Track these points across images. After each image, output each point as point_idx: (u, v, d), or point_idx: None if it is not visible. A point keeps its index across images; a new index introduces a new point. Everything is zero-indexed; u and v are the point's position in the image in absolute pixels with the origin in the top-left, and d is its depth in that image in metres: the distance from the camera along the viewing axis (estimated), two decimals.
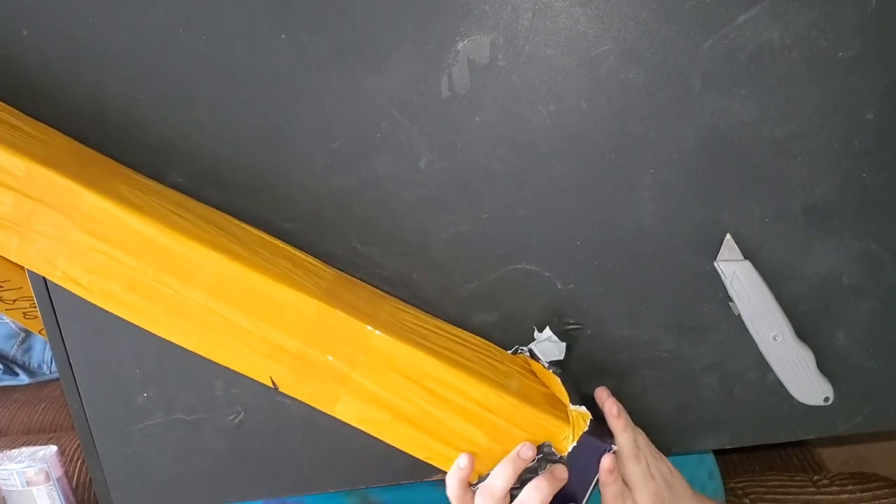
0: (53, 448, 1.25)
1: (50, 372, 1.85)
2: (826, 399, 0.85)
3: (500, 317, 0.86)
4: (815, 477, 1.11)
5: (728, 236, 0.81)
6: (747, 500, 1.09)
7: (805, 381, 0.84)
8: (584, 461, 0.77)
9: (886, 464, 1.50)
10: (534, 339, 0.85)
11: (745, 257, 0.81)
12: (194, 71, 0.78)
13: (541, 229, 0.82)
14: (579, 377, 0.87)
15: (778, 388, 0.86)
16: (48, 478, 1.23)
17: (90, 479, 1.38)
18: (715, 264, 0.81)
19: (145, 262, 0.71)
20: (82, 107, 0.79)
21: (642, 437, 0.81)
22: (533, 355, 0.85)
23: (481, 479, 0.78)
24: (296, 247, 0.82)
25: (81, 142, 0.79)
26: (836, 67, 0.77)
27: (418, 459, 0.78)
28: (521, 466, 0.76)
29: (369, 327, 0.74)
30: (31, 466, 1.22)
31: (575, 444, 0.77)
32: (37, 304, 0.85)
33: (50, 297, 0.84)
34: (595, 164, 0.80)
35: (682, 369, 0.87)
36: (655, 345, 0.86)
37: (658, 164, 0.80)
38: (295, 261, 0.79)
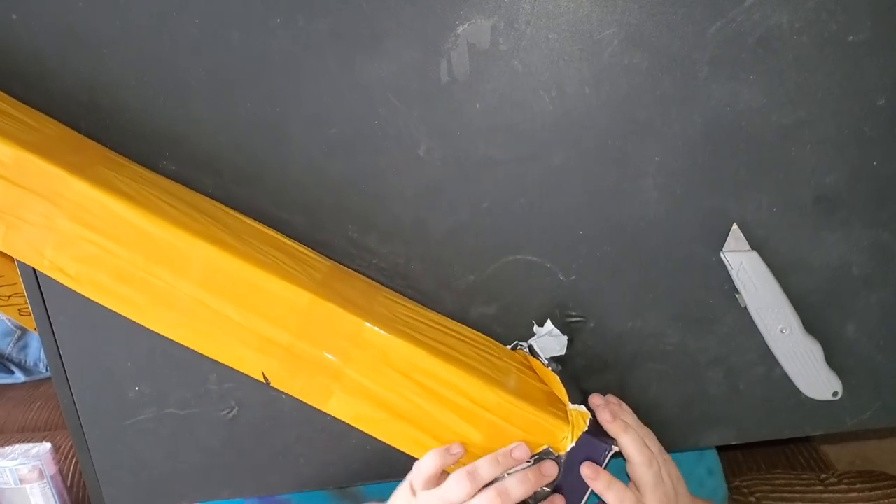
0: (47, 445, 1.23)
1: (46, 370, 1.83)
2: (835, 394, 0.83)
3: (500, 309, 0.84)
4: (823, 475, 1.09)
5: (735, 226, 0.79)
6: (753, 499, 1.07)
7: (813, 376, 0.82)
8: (584, 461, 0.76)
9: (893, 464, 1.49)
10: (534, 335, 0.84)
11: (753, 248, 0.79)
12: (188, 57, 0.76)
13: (542, 219, 0.80)
14: (581, 372, 0.85)
15: (785, 383, 0.84)
16: (42, 475, 1.21)
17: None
18: (721, 255, 0.79)
19: (135, 253, 0.69)
20: (74, 94, 0.77)
21: (651, 438, 0.79)
22: (532, 352, 0.83)
23: None
24: (291, 237, 0.81)
25: (73, 129, 0.77)
26: (846, 52, 0.75)
27: (414, 457, 0.76)
28: (511, 465, 0.74)
29: (364, 321, 0.72)
30: (25, 464, 1.20)
31: (574, 444, 0.75)
32: (27, 297, 0.83)
33: (40, 289, 0.82)
34: (598, 151, 0.78)
35: (686, 363, 0.85)
36: (660, 338, 0.84)
37: (663, 151, 0.78)
38: (289, 252, 0.77)
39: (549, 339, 0.83)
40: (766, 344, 0.82)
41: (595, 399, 0.80)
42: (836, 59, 0.75)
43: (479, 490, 0.72)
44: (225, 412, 0.86)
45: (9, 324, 1.80)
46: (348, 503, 0.96)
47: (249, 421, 0.86)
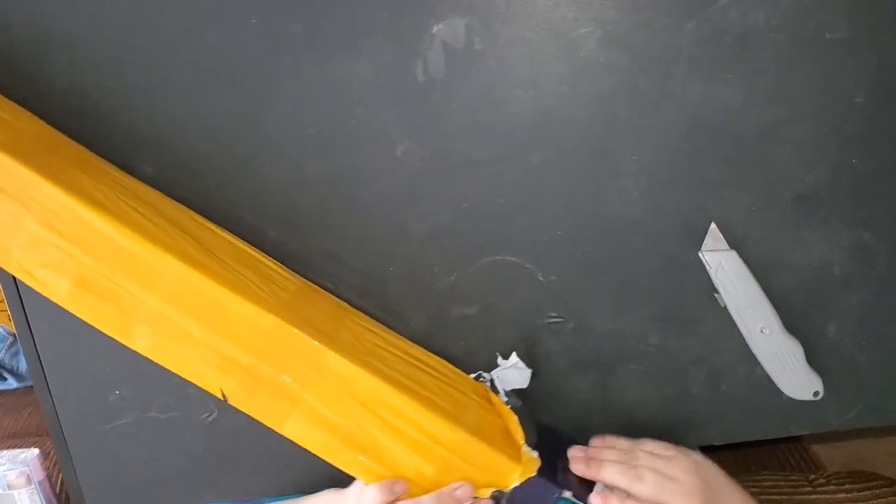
0: (35, 451, 1.23)
1: None
2: (816, 394, 0.82)
3: (480, 310, 0.83)
4: (812, 476, 1.08)
5: (713, 225, 0.79)
6: None
7: (794, 376, 0.82)
8: (530, 500, 0.76)
9: (888, 466, 1.48)
10: (498, 366, 0.84)
11: (732, 247, 0.79)
12: (164, 58, 0.76)
13: (521, 219, 0.80)
14: (562, 374, 0.85)
15: (766, 383, 0.83)
16: (29, 481, 1.21)
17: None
18: (700, 254, 0.79)
19: (101, 262, 0.68)
20: (50, 97, 0.77)
21: (638, 452, 0.78)
22: (493, 387, 0.83)
23: None
24: (265, 246, 0.80)
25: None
26: (825, 50, 0.75)
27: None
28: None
29: (326, 348, 0.71)
30: (12, 469, 1.20)
31: (519, 483, 0.75)
32: (6, 302, 0.83)
33: (19, 294, 0.82)
34: (577, 151, 0.78)
35: (668, 363, 0.84)
36: (640, 338, 0.83)
37: (641, 150, 0.77)
38: (258, 269, 0.77)
39: (514, 372, 0.83)
40: (746, 344, 0.81)
41: (573, 452, 0.79)
42: (814, 58, 0.75)
43: None
44: (205, 416, 0.86)
45: (1, 331, 1.80)
46: None
47: (230, 424, 0.86)
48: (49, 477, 1.24)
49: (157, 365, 0.81)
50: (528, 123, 0.77)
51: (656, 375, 0.85)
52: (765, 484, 1.09)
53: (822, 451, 1.31)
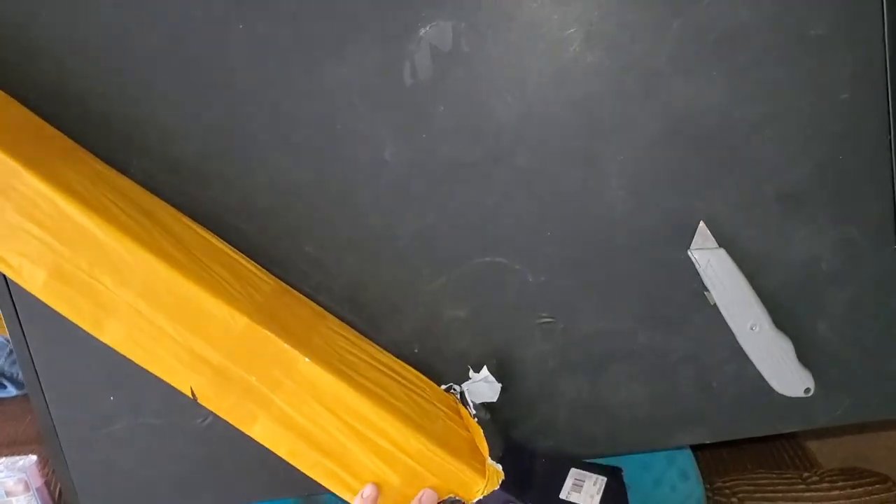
0: (33, 458, 1.24)
1: None
2: (807, 390, 0.82)
3: (471, 312, 0.83)
4: (805, 474, 1.09)
5: (701, 223, 0.79)
6: (735, 499, 1.06)
7: (785, 373, 0.82)
8: None
9: (885, 461, 1.48)
10: (468, 378, 0.84)
11: (720, 245, 0.79)
12: (152, 63, 0.77)
13: (509, 220, 0.80)
14: (552, 375, 0.85)
15: (757, 380, 0.83)
16: (27, 488, 1.21)
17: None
18: (688, 253, 0.79)
19: (78, 253, 0.68)
20: (40, 103, 0.77)
21: None
22: (463, 399, 0.83)
23: None
24: (248, 249, 0.81)
25: None
26: (808, 47, 0.75)
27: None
28: None
29: (297, 352, 0.71)
30: (10, 476, 1.21)
31: (483, 497, 0.76)
32: None
33: (12, 299, 0.83)
34: (564, 152, 0.78)
35: (657, 362, 0.84)
36: (630, 337, 0.84)
37: (627, 150, 0.78)
38: (236, 270, 0.77)
39: (484, 385, 0.83)
40: (736, 342, 0.81)
41: None
42: (798, 55, 0.75)
43: None
44: (200, 420, 0.86)
45: (1, 339, 1.79)
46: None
47: (224, 429, 0.85)
48: (47, 483, 1.24)
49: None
50: (515, 125, 0.77)
51: (646, 374, 0.85)
52: (760, 482, 1.09)
53: (818, 448, 1.31)
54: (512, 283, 0.82)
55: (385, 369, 0.80)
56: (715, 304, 0.80)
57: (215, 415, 0.83)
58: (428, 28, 0.75)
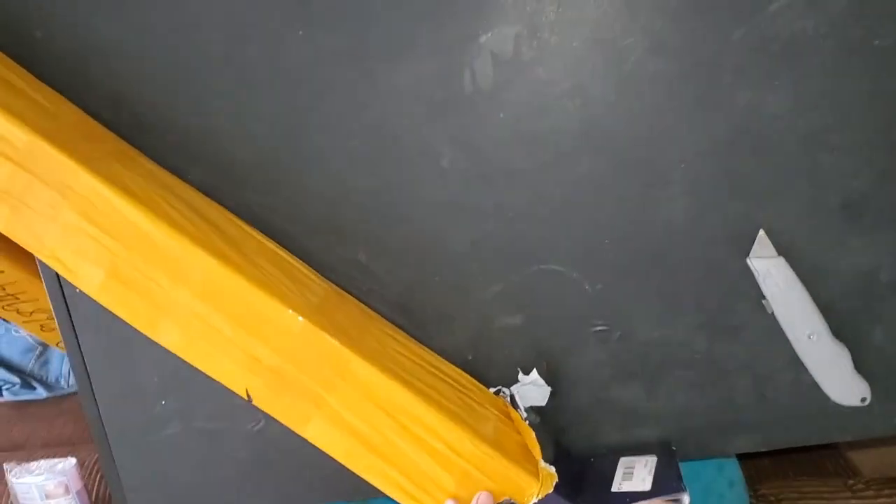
0: (72, 461, 1.24)
1: (68, 386, 1.84)
2: (863, 399, 0.82)
3: (526, 320, 0.83)
4: (850, 481, 1.08)
5: (761, 232, 0.79)
6: None
7: (841, 382, 0.82)
8: None
9: None
10: (518, 381, 0.84)
11: (779, 254, 0.79)
12: (210, 70, 0.77)
13: (567, 228, 0.80)
14: (606, 383, 0.85)
15: (813, 389, 0.83)
16: (67, 490, 1.22)
17: (109, 494, 1.37)
18: (748, 261, 0.79)
19: (135, 253, 0.68)
20: (97, 109, 0.77)
21: None
22: (513, 402, 0.83)
23: None
24: (302, 250, 0.81)
25: None
26: (873, 56, 0.74)
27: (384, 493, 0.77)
28: None
29: (352, 353, 0.71)
30: (51, 479, 1.21)
31: (538, 500, 0.75)
32: (53, 311, 0.84)
33: (66, 304, 0.83)
34: (623, 159, 0.78)
35: (713, 370, 0.84)
36: (686, 345, 0.83)
37: (688, 158, 0.77)
38: (289, 272, 0.77)
39: (533, 389, 0.83)
40: (793, 350, 0.81)
41: None
42: (862, 64, 0.75)
43: None
44: (252, 425, 0.86)
45: (30, 340, 1.80)
46: None
47: (276, 433, 0.86)
48: (85, 486, 1.25)
49: (202, 375, 0.82)
50: (575, 132, 0.77)
51: (702, 382, 0.85)
52: (804, 489, 1.09)
53: (859, 458, 1.31)
54: (568, 291, 0.82)
55: (436, 371, 0.80)
56: (772, 313, 0.80)
57: (267, 419, 0.84)
58: (489, 35, 0.75)
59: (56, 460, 1.24)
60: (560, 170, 0.78)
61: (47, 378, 1.83)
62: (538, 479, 0.75)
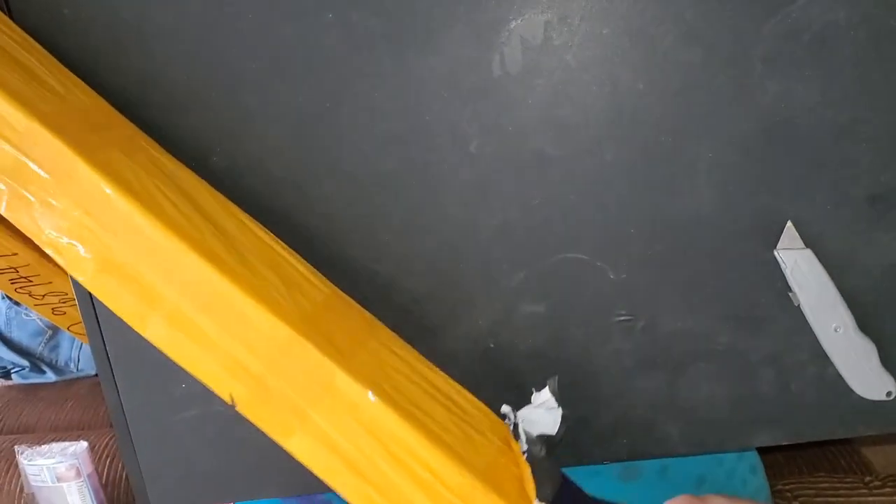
0: (84, 444, 1.24)
1: (77, 370, 1.84)
2: (889, 394, 0.82)
3: (549, 308, 0.83)
4: (867, 478, 1.08)
5: (789, 224, 0.78)
6: (797, 503, 1.06)
7: (867, 375, 0.81)
8: None
9: None
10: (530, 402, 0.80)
11: (807, 246, 0.78)
12: (239, 52, 0.76)
13: (593, 216, 0.80)
14: (629, 373, 0.85)
15: (838, 383, 0.83)
16: (79, 474, 1.21)
17: (119, 477, 1.37)
18: (775, 253, 0.79)
19: (126, 246, 0.67)
20: (125, 89, 0.77)
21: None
22: (515, 432, 0.78)
23: None
24: (326, 232, 0.81)
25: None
26: None
27: None
28: None
29: (339, 370, 0.68)
30: (62, 462, 1.21)
31: None
32: (74, 292, 0.83)
33: None
34: (651, 148, 0.77)
35: (738, 362, 0.84)
36: (711, 337, 0.83)
37: (717, 148, 0.77)
38: (287, 275, 0.75)
39: (543, 413, 0.78)
40: (818, 343, 0.81)
41: None
42: (893, 56, 0.74)
43: None
44: None
45: (40, 323, 1.80)
46: None
47: None
48: (97, 470, 1.25)
49: None
50: (603, 120, 0.77)
51: (726, 375, 0.84)
52: (821, 485, 1.09)
53: (874, 454, 1.30)
54: (592, 280, 0.82)
55: (435, 392, 0.77)
56: (799, 305, 0.80)
57: None
58: (519, 21, 0.74)
59: (67, 443, 1.24)
60: (587, 157, 0.78)
61: (57, 362, 1.83)
62: None
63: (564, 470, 0.74)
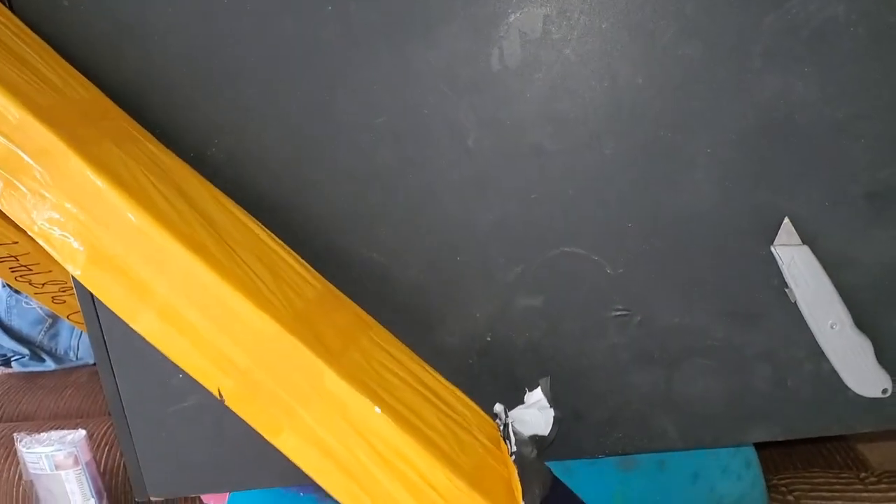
0: (82, 432, 1.24)
1: (76, 358, 1.84)
2: (884, 391, 0.82)
3: (546, 302, 0.83)
4: (863, 474, 1.08)
5: (786, 220, 0.78)
6: (791, 497, 1.06)
7: (863, 372, 0.81)
8: None
9: None
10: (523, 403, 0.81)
11: (804, 242, 0.78)
12: (237, 44, 0.76)
13: (591, 211, 0.80)
14: (624, 369, 0.85)
15: (834, 379, 0.83)
16: (77, 462, 1.22)
17: (118, 466, 1.38)
18: (772, 249, 0.79)
19: (116, 239, 0.67)
20: (124, 81, 0.77)
21: None
22: (506, 432, 0.78)
23: None
24: (321, 226, 0.81)
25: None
26: None
27: None
28: None
29: (328, 368, 0.68)
30: (60, 450, 1.21)
31: None
32: (73, 281, 0.83)
33: None
34: (649, 142, 0.77)
35: (733, 358, 0.84)
36: (707, 332, 0.83)
37: (715, 143, 0.77)
38: (279, 271, 0.75)
39: (535, 413, 0.79)
40: (814, 340, 0.81)
41: None
42: (893, 52, 0.74)
43: None
44: None
45: (40, 312, 1.81)
46: None
47: None
48: (95, 459, 1.25)
49: None
50: (602, 114, 0.77)
51: (722, 370, 0.84)
52: (816, 481, 1.09)
53: (869, 451, 1.31)
54: (589, 275, 0.82)
55: (425, 390, 0.77)
56: (795, 302, 0.80)
57: None
58: (518, 14, 0.74)
59: (66, 431, 1.24)
60: (585, 152, 0.78)
61: (56, 350, 1.84)
62: None
63: (562, 462, 0.74)
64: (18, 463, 1.27)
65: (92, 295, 0.84)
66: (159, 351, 0.82)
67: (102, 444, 1.43)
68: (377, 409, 0.68)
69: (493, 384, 0.85)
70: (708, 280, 0.81)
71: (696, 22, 0.74)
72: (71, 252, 0.68)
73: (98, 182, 0.66)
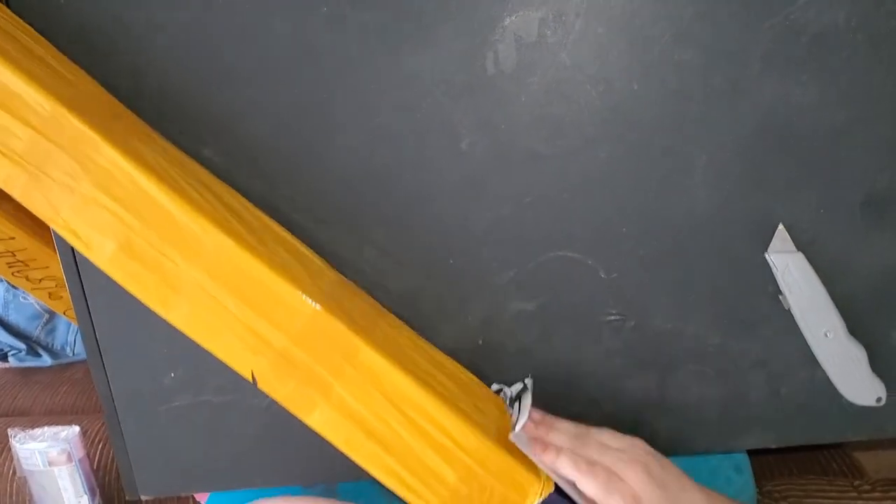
0: (76, 429, 1.24)
1: (73, 354, 1.84)
2: (878, 399, 0.82)
3: (539, 306, 0.83)
4: (857, 482, 1.07)
5: (781, 227, 0.78)
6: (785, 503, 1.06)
7: (857, 381, 0.81)
8: None
9: None
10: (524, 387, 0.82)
11: (799, 249, 0.78)
12: (233, 44, 0.76)
13: (585, 215, 0.79)
14: (619, 373, 0.84)
15: (827, 387, 0.82)
16: (70, 458, 1.21)
17: (111, 462, 1.37)
18: (766, 256, 0.78)
19: (150, 228, 0.68)
20: (118, 79, 0.77)
21: (592, 441, 0.73)
22: (511, 404, 0.80)
23: None
24: (316, 228, 0.81)
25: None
26: None
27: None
28: None
29: (363, 342, 0.71)
30: (54, 446, 1.21)
31: (539, 500, 0.74)
32: (65, 280, 0.83)
33: (79, 273, 0.82)
34: (645, 147, 0.77)
35: (727, 365, 0.84)
36: (701, 339, 0.83)
37: (711, 149, 0.77)
38: (302, 259, 0.76)
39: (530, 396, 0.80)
40: (808, 347, 0.81)
41: (534, 415, 0.76)
42: (892, 58, 0.74)
43: None
44: (260, 400, 0.86)
45: (37, 307, 1.80)
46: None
47: (285, 410, 0.85)
48: (88, 455, 1.25)
49: None
50: (597, 118, 0.76)
51: (715, 377, 0.84)
52: (810, 488, 1.08)
53: (866, 459, 1.30)
54: (583, 279, 0.82)
55: (442, 368, 0.79)
56: (789, 309, 0.79)
57: None
58: (513, 18, 0.74)
59: (59, 428, 1.24)
60: (580, 156, 0.77)
61: (53, 345, 1.83)
62: (540, 479, 0.75)
63: None
64: (13, 458, 1.26)
65: (84, 292, 0.83)
66: (153, 349, 0.83)
67: (97, 440, 1.42)
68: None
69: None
70: (702, 285, 0.81)
71: (694, 27, 0.73)
72: (99, 245, 0.69)
73: (133, 172, 0.67)
